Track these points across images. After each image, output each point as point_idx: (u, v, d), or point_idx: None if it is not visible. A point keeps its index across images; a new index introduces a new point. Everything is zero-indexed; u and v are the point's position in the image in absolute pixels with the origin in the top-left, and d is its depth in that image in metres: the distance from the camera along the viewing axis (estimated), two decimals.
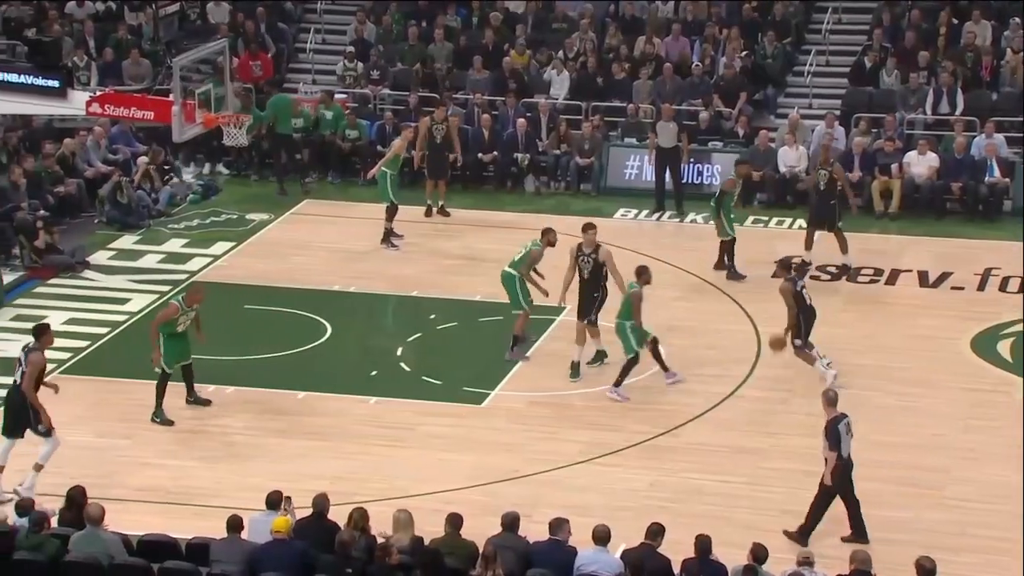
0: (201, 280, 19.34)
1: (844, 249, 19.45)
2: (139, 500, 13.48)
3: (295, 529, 11.30)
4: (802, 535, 12.76)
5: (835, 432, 12.75)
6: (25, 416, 13.57)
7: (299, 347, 17.17)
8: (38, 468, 13.55)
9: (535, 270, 16.69)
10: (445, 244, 20.71)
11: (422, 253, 20.21)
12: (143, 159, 22.45)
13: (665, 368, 15.99)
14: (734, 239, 19.01)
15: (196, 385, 15.57)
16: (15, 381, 13.72)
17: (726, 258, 19.17)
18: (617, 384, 15.67)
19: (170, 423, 15.12)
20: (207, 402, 15.55)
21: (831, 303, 18.60)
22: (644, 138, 22.86)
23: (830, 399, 13.05)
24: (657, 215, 21.95)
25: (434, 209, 21.76)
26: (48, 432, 13.53)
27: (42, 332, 13.98)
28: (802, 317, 15.92)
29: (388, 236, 20.13)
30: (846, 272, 19.38)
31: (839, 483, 12.79)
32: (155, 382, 15.26)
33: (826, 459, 12.77)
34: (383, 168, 20.12)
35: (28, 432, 13.69)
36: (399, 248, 20.03)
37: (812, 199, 19.67)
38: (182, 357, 15.35)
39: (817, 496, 12.86)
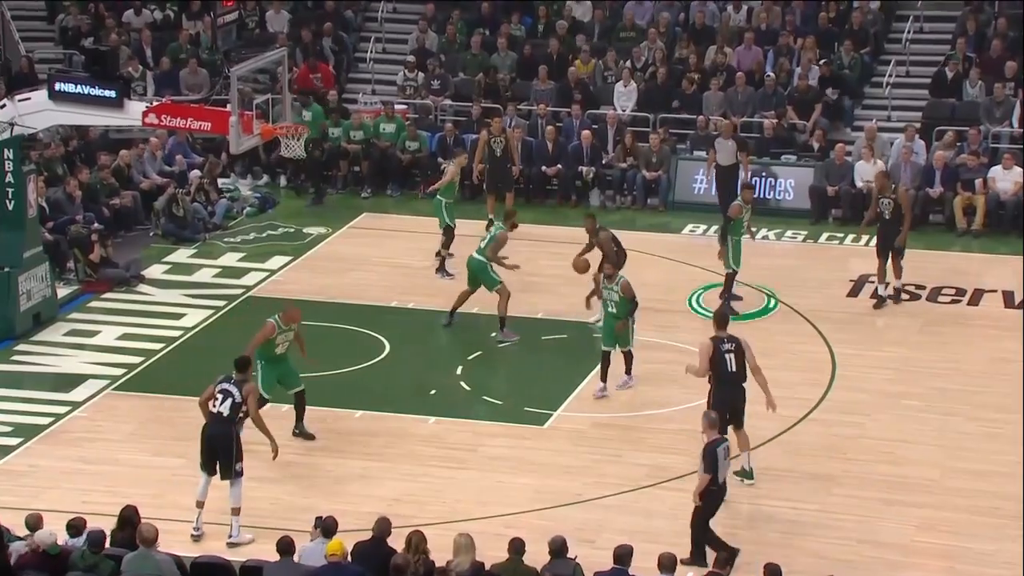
0: (258, 295, 19.56)
1: (899, 275, 19.02)
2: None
3: (355, 553, 11.35)
4: (695, 559, 12.54)
5: (712, 455, 12.65)
6: (231, 452, 13.29)
7: (357, 365, 17.28)
8: (237, 512, 13.34)
9: (500, 259, 17.79)
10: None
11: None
12: (195, 172, 22.71)
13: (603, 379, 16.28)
14: (735, 272, 18.43)
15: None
16: (220, 414, 13.31)
17: (723, 291, 18.49)
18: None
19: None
20: (311, 436, 15.33)
21: (910, 324, 18.47)
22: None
23: (711, 421, 12.93)
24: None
25: (496, 223, 21.79)
26: (241, 472, 13.35)
27: (246, 364, 13.73)
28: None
29: (444, 264, 20.12)
30: (896, 298, 18.93)
31: (709, 506, 12.67)
32: None
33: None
34: (438, 196, 20.16)
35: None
36: (455, 276, 20.04)
37: (880, 228, 18.96)
38: (283, 382, 15.11)
39: (692, 519, 12.73)
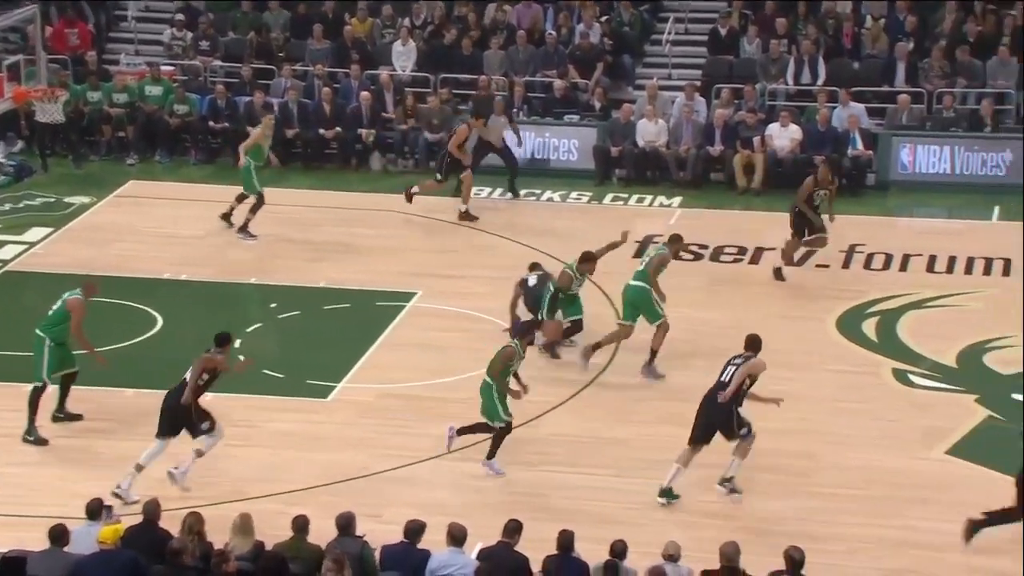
0: (15, 270, 18.85)
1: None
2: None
3: (123, 538, 11.05)
4: None
5: None
6: (183, 417, 13.57)
7: (127, 340, 16.83)
8: (200, 454, 13.73)
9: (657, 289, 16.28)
10: (287, 228, 20.45)
11: (260, 237, 19.92)
12: None
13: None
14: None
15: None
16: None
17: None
18: None
19: (44, 443, 14.54)
20: (78, 416, 15.00)
21: (693, 284, 18.87)
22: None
23: None
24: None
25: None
26: (209, 428, 13.72)
27: (227, 340, 14.10)
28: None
29: (247, 226, 19.76)
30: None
31: None
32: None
33: None
34: (247, 159, 19.74)
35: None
36: (257, 238, 19.69)
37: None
38: (65, 365, 14.75)
39: None
